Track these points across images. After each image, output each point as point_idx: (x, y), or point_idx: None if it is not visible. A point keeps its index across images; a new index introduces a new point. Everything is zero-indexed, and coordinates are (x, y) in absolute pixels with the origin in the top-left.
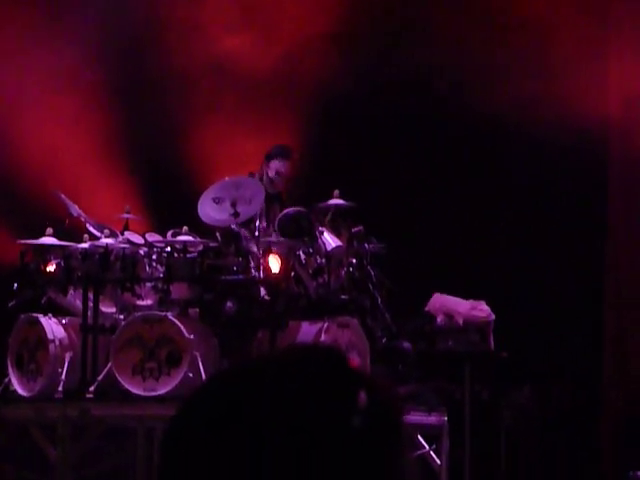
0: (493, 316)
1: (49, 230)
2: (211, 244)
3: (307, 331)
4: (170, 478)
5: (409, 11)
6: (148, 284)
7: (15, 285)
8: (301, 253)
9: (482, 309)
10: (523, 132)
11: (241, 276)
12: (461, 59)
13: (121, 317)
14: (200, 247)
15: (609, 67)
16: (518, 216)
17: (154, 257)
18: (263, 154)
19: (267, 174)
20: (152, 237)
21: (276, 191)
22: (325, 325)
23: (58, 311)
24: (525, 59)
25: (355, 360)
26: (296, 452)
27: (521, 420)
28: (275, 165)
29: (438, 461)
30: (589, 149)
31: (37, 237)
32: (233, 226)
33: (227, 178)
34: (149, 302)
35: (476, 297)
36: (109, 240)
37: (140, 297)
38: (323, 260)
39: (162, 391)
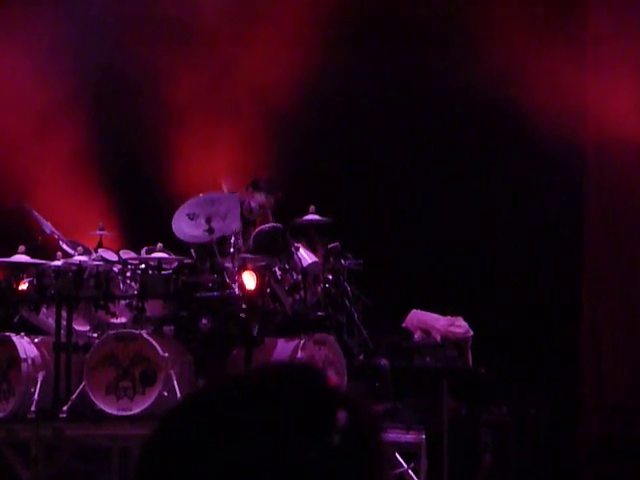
0: (471, 332)
1: (21, 248)
2: (186, 261)
3: (283, 348)
4: None
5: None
6: (122, 302)
7: None
8: (277, 269)
9: (460, 325)
10: (499, 140)
11: (216, 293)
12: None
13: (95, 335)
14: (175, 264)
15: (586, 82)
16: (495, 233)
17: (128, 274)
18: (242, 169)
19: (249, 202)
20: (126, 254)
21: (253, 219)
22: (301, 342)
23: (31, 330)
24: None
25: (332, 377)
26: (276, 472)
27: (499, 437)
28: (260, 198)
29: (416, 479)
30: (566, 163)
31: (9, 255)
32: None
33: (201, 194)
34: (123, 320)
35: (454, 313)
36: (83, 257)
37: (114, 315)
38: (299, 276)
39: (136, 410)
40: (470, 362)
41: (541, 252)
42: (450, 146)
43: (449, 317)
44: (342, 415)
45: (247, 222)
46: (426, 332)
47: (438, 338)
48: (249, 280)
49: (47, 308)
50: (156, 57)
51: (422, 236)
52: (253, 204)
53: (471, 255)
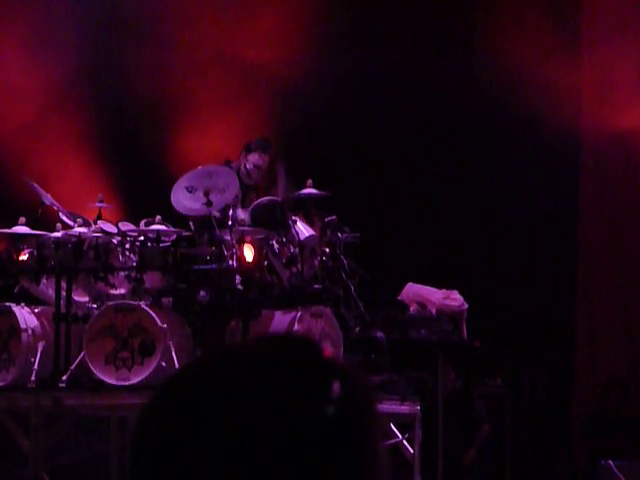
0: (466, 305)
1: (22, 219)
2: (184, 233)
3: (280, 320)
4: (141, 468)
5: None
6: (121, 273)
7: None
8: (274, 242)
9: (455, 298)
10: (497, 127)
11: (214, 265)
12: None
13: (94, 306)
14: (173, 236)
15: (582, 77)
16: (491, 206)
17: (127, 246)
18: (241, 144)
19: (245, 166)
20: (125, 226)
21: (252, 183)
22: (298, 314)
23: (31, 300)
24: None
25: (328, 349)
26: (270, 442)
27: (494, 409)
28: (254, 158)
29: (411, 450)
30: (561, 141)
31: (10, 226)
32: (216, 213)
33: (200, 167)
34: (122, 291)
35: (449, 286)
36: (82, 229)
37: (113, 286)
38: (296, 249)
39: (135, 380)
40: (465, 335)
41: (538, 225)
42: (450, 123)
43: (444, 290)
44: (336, 386)
45: (247, 188)
46: (422, 305)
47: (433, 311)
48: (247, 253)
49: (47, 279)
50: (158, 31)
51: (419, 210)
52: (249, 166)
53: (467, 228)
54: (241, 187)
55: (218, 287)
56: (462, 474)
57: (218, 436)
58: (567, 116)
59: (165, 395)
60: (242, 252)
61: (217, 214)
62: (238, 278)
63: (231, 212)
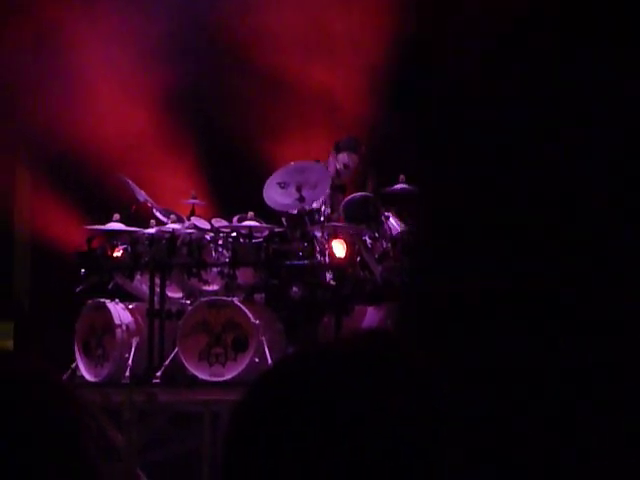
0: None
1: (116, 216)
2: (277, 229)
3: (373, 316)
4: (235, 463)
5: None
6: (214, 269)
7: (82, 270)
8: (367, 238)
9: None
10: None
11: (307, 261)
12: None
13: (187, 302)
14: (266, 232)
15: None
16: None
17: (220, 242)
18: (332, 143)
19: (335, 165)
20: (218, 222)
21: (341, 183)
22: (391, 310)
23: (125, 296)
24: None
25: None
26: (368, 440)
27: None
28: (343, 158)
29: None
30: None
31: (104, 223)
32: (307, 206)
33: (292, 163)
34: (215, 287)
35: None
36: (175, 225)
37: (206, 282)
38: (389, 245)
39: (228, 376)
40: None
41: None
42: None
43: None
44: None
45: (335, 187)
46: None
47: None
48: (339, 248)
49: (141, 275)
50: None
51: (513, 208)
52: (338, 166)
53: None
54: (330, 186)
55: (310, 283)
56: None
57: (313, 434)
58: None
59: (259, 392)
60: (334, 248)
61: (315, 205)
62: (330, 274)
63: (323, 208)
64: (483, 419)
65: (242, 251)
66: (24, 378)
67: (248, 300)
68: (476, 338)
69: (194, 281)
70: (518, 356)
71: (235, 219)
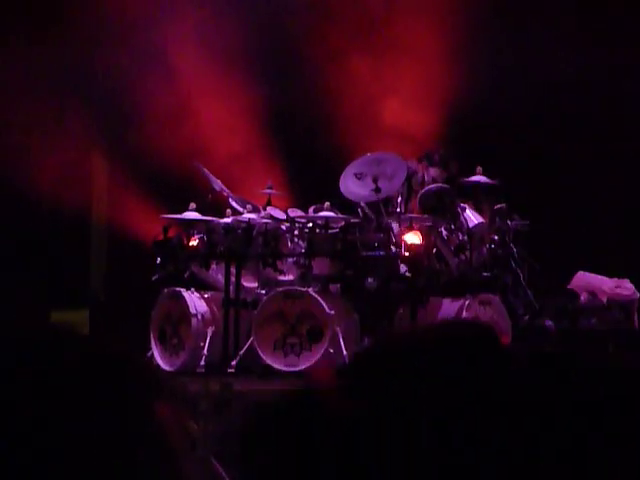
0: (638, 294)
1: (192, 205)
2: (352, 220)
3: (448, 308)
4: (315, 458)
5: None
6: (290, 259)
7: (158, 259)
8: (443, 230)
9: (627, 287)
10: None
11: (382, 252)
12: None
13: (263, 292)
14: (341, 223)
15: None
16: None
17: (296, 233)
18: (409, 137)
19: (423, 175)
20: (294, 213)
21: (418, 190)
22: (466, 302)
23: (200, 285)
24: None
25: (505, 338)
26: (449, 428)
27: None
28: (434, 172)
29: None
30: None
31: (180, 212)
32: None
33: (369, 154)
34: (291, 277)
35: (620, 275)
36: (251, 215)
37: (282, 272)
38: (465, 237)
39: (303, 366)
40: (637, 324)
41: None
42: (619, 112)
43: (616, 279)
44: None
45: (411, 190)
46: (592, 294)
47: (604, 300)
48: (415, 240)
49: (217, 264)
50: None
51: (589, 198)
52: (427, 178)
53: (638, 216)
54: (408, 188)
55: (386, 274)
56: None
57: (402, 426)
58: None
59: (343, 382)
60: (409, 239)
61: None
62: (406, 265)
63: (399, 199)
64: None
65: (318, 241)
66: (108, 359)
67: (323, 290)
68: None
69: (269, 271)
70: (530, 388)
71: (311, 209)
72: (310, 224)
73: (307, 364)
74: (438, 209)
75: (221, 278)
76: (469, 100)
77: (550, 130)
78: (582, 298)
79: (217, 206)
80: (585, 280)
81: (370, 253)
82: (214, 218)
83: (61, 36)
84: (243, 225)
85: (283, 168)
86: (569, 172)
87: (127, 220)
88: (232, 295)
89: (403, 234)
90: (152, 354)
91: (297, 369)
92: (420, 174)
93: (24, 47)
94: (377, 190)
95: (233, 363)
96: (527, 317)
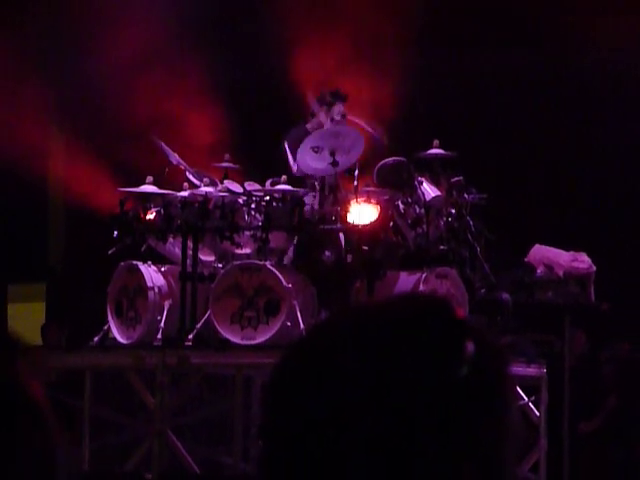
0: (594, 268)
1: (149, 178)
2: (310, 193)
3: (405, 281)
4: (271, 427)
5: None
6: (247, 233)
7: (115, 233)
8: (400, 203)
9: (583, 260)
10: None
11: (339, 225)
12: None
13: (220, 266)
14: (298, 196)
15: None
16: (619, 165)
17: (253, 206)
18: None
19: (331, 117)
20: (251, 186)
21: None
22: (423, 275)
23: (157, 259)
24: None
25: (461, 310)
26: (400, 403)
27: (622, 373)
28: (339, 108)
29: (537, 413)
30: None
31: (137, 185)
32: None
33: (326, 127)
34: (248, 251)
35: (577, 248)
36: (208, 189)
37: (239, 246)
38: (422, 210)
39: (260, 340)
40: (593, 298)
41: None
42: (576, 82)
43: (572, 252)
44: (470, 346)
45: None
46: (549, 267)
47: (561, 273)
48: (372, 213)
49: (174, 238)
50: None
51: (546, 171)
52: (337, 117)
53: (594, 189)
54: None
55: (342, 247)
56: (586, 440)
57: (350, 399)
58: None
59: (297, 356)
60: (366, 212)
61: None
62: (363, 238)
63: (356, 172)
64: None
65: (275, 215)
66: None
67: (280, 264)
68: None
69: (226, 244)
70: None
71: (268, 183)
72: (267, 197)
73: (264, 337)
74: (395, 182)
75: (178, 251)
76: (423, 72)
77: (506, 103)
78: (539, 271)
79: (174, 179)
80: (542, 253)
81: (327, 226)
82: (171, 192)
83: (20, 12)
84: (200, 198)
85: (240, 141)
86: (526, 145)
87: (84, 193)
88: (189, 268)
89: (360, 207)
90: (109, 327)
91: (254, 342)
92: (323, 118)
93: None
94: (334, 163)
95: (190, 336)
96: (484, 290)
